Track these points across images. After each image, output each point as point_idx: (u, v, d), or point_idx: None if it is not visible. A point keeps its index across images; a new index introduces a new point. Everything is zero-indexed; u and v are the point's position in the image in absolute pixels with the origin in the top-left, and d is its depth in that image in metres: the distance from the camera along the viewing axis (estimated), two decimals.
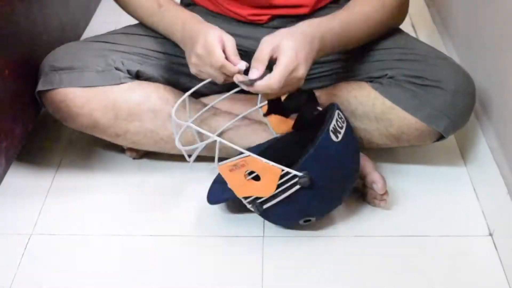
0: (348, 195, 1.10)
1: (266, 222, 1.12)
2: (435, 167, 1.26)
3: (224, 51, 1.02)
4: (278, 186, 0.98)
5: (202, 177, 1.20)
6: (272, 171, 0.97)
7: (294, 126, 1.13)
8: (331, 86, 1.19)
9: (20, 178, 1.23)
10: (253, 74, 0.99)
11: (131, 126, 1.16)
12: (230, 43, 1.03)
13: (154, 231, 1.12)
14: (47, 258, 1.08)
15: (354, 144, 1.06)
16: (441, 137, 1.15)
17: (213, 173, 1.21)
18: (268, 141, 1.18)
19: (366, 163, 1.15)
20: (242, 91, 1.04)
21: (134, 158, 1.27)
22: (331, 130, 0.99)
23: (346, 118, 1.04)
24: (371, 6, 1.12)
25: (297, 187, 0.98)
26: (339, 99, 1.16)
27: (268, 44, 1.00)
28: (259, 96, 1.15)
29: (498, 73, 1.17)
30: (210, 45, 1.02)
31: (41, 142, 1.32)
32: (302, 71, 0.99)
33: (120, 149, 1.27)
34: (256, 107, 1.18)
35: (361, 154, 1.16)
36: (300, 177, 0.97)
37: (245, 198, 1.03)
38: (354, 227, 1.12)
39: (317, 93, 1.19)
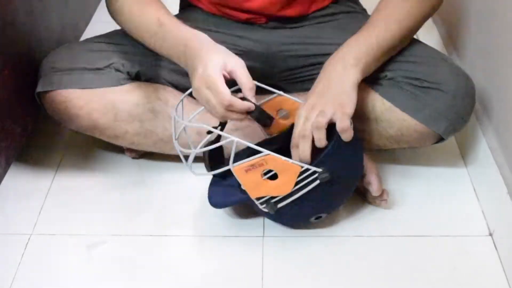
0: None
1: (266, 222, 1.12)
2: (435, 168, 1.26)
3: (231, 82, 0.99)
4: (296, 183, 0.99)
5: (202, 177, 1.19)
6: (292, 169, 0.97)
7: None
8: None
9: (20, 178, 1.23)
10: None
11: (131, 127, 1.16)
12: (240, 70, 1.00)
13: (154, 231, 1.12)
14: (47, 258, 1.08)
15: (360, 144, 1.07)
16: (440, 139, 1.14)
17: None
18: (259, 142, 1.16)
19: (366, 163, 1.15)
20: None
21: (133, 158, 1.27)
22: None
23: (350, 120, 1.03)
24: (402, 11, 1.10)
25: (316, 183, 0.99)
26: None
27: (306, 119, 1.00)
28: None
29: (498, 73, 1.17)
30: (212, 82, 0.97)
31: (41, 142, 1.31)
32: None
33: (120, 149, 1.27)
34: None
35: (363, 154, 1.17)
36: (320, 173, 0.98)
37: (258, 198, 1.02)
38: (354, 227, 1.12)
39: None
